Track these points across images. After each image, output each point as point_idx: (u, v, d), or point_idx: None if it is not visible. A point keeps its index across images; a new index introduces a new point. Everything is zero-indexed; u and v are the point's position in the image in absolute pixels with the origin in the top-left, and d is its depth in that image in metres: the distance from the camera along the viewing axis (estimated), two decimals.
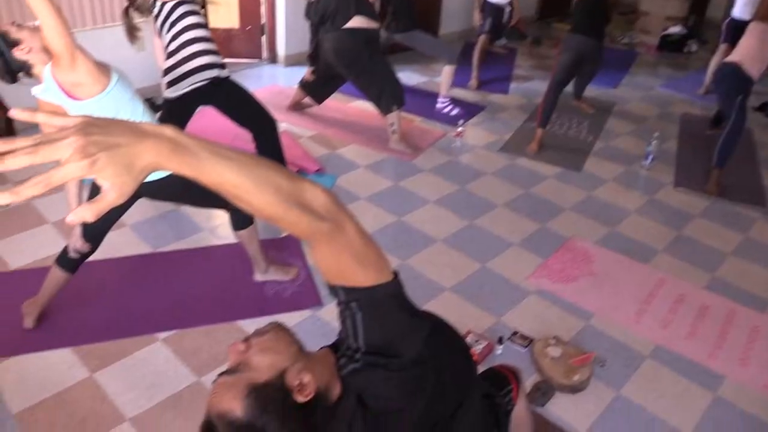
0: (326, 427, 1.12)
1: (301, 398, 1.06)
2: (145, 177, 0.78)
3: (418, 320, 1.17)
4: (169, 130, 0.80)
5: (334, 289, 1.08)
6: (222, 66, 3.33)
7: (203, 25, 3.28)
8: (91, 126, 0.73)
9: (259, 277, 3.03)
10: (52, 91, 2.24)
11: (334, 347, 1.25)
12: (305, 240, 0.99)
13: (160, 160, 0.78)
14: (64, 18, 2.14)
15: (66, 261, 2.58)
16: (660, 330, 2.95)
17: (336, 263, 1.03)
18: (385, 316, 1.11)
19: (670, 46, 7.55)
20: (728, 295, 3.25)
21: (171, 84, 3.22)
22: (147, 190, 2.52)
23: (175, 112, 3.28)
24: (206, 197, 2.77)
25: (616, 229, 3.75)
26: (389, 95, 4.23)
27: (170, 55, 3.26)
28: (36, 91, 2.26)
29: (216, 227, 3.45)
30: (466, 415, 1.52)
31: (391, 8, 4.89)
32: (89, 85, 2.24)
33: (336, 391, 1.13)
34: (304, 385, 1.06)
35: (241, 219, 2.83)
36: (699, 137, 5.09)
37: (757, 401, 2.61)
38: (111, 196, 0.76)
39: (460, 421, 1.51)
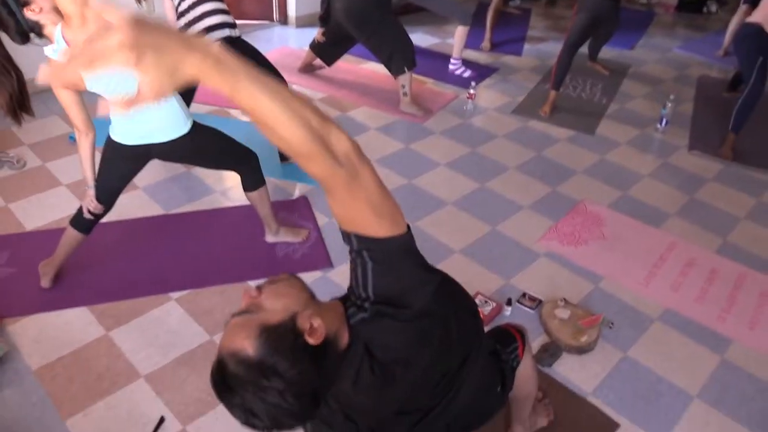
0: (335, 372, 1.15)
1: (311, 341, 1.09)
2: (183, 85, 0.79)
3: (428, 274, 1.19)
4: (216, 48, 0.82)
5: (347, 236, 1.11)
6: (233, 26, 3.31)
7: None
8: (143, 25, 0.75)
9: (270, 238, 3.05)
10: (63, 52, 2.24)
11: (344, 299, 1.28)
12: (322, 182, 1.00)
13: (202, 72, 0.80)
14: None
15: (80, 222, 2.61)
16: (669, 293, 2.95)
17: (352, 211, 1.05)
18: (396, 267, 1.13)
19: (688, 6, 7.37)
20: (739, 260, 3.24)
21: None
22: (160, 151, 2.54)
23: None
24: (218, 159, 2.80)
25: (628, 192, 3.73)
26: (400, 57, 4.18)
27: (181, 15, 3.25)
28: (48, 51, 2.25)
29: (227, 189, 3.47)
30: (473, 370, 1.55)
31: None
32: None
33: (345, 339, 1.17)
34: (315, 328, 1.09)
35: (252, 180, 2.84)
36: (715, 100, 5.01)
37: (765, 365, 2.63)
38: (147, 95, 0.77)
39: (466, 374, 1.55)
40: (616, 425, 2.31)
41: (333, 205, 1.06)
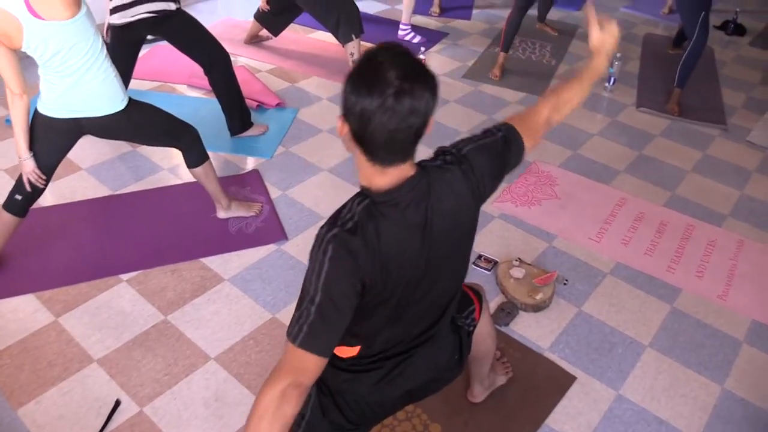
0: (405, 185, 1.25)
1: None
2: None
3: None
4: None
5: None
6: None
7: None
8: None
9: (221, 214, 2.99)
10: (14, 3, 2.08)
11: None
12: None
13: None
14: None
15: (13, 205, 2.50)
16: (620, 248, 3.01)
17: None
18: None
19: None
20: (687, 212, 3.32)
21: (115, 10, 3.06)
22: (92, 127, 2.45)
23: (122, 41, 3.16)
24: (155, 136, 2.72)
25: (579, 151, 3.77)
26: (347, 24, 4.11)
27: None
28: None
29: (176, 166, 3.38)
30: (433, 345, 1.56)
31: None
32: (58, 6, 2.11)
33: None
34: None
35: (194, 156, 2.77)
36: (661, 57, 5.08)
37: (712, 311, 2.71)
38: None
39: (427, 347, 1.56)
40: (573, 378, 2.36)
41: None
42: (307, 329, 1.20)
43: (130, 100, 2.47)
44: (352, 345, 1.46)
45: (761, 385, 2.40)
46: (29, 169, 2.42)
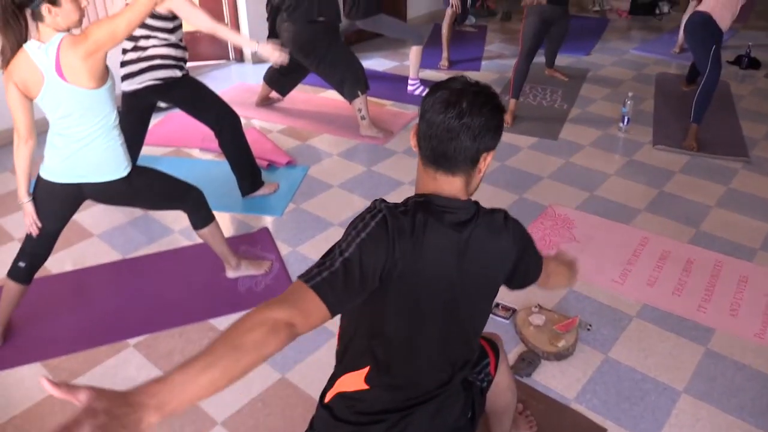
0: None
1: None
2: None
3: None
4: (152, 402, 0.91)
5: None
6: (180, 67, 3.22)
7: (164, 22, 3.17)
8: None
9: (231, 273, 2.94)
10: (44, 58, 2.10)
11: None
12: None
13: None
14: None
15: (17, 272, 2.48)
16: (646, 288, 2.87)
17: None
18: None
19: (641, 9, 7.46)
20: (714, 248, 3.17)
21: (126, 77, 3.13)
22: (93, 192, 2.43)
23: (131, 107, 3.21)
24: (156, 201, 2.71)
25: (596, 192, 3.67)
26: (352, 81, 4.14)
27: (129, 50, 3.15)
28: (30, 47, 2.12)
29: (187, 228, 3.32)
30: (440, 402, 1.47)
31: None
32: (84, 77, 2.14)
33: None
34: None
35: (200, 218, 2.75)
36: (675, 95, 5.02)
37: (750, 351, 2.54)
38: None
39: (432, 405, 1.46)
40: (603, 430, 2.19)
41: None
42: (327, 275, 1.18)
43: (134, 167, 2.47)
44: (360, 367, 1.40)
45: None
46: (29, 211, 2.39)
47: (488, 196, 3.57)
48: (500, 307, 2.73)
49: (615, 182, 3.79)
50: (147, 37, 3.08)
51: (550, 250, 3.11)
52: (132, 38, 3.08)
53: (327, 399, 1.48)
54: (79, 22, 2.18)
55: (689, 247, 3.17)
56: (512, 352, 2.52)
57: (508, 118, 4.51)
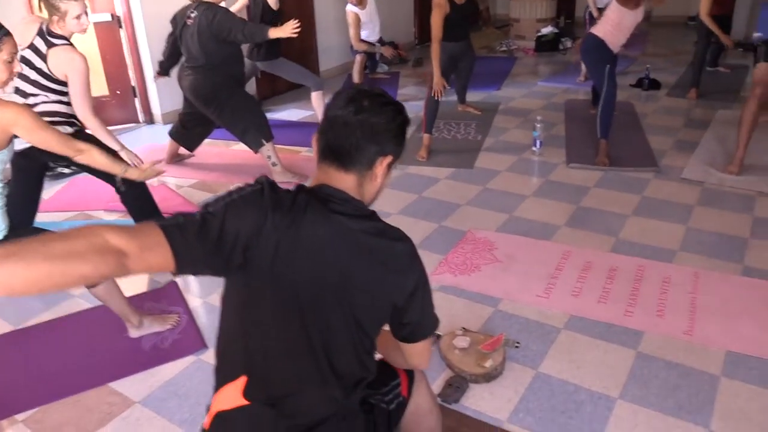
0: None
1: None
2: None
3: None
4: None
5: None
6: (71, 123, 3.03)
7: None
8: None
9: (133, 333, 2.69)
10: None
11: None
12: (118, 276, 1.06)
13: None
14: None
15: None
16: (571, 300, 2.79)
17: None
18: None
19: (545, 45, 7.76)
20: (634, 254, 3.14)
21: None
22: None
23: (22, 167, 2.98)
24: None
25: (515, 213, 3.62)
26: (255, 130, 4.03)
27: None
28: None
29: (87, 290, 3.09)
30: (334, 427, 1.30)
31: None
32: None
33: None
34: None
35: None
36: (584, 118, 5.13)
37: (681, 349, 2.46)
38: None
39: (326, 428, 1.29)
40: None
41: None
42: (182, 221, 1.13)
43: (11, 230, 2.26)
44: (235, 377, 1.25)
45: (751, 419, 2.11)
46: None
47: (407, 227, 3.44)
48: None
49: (533, 202, 3.76)
50: (36, 95, 2.91)
51: (471, 272, 3.01)
52: (22, 94, 2.91)
53: (206, 424, 1.29)
54: (5, 84, 2.13)
55: (611, 256, 3.13)
56: (439, 379, 2.36)
57: (423, 152, 4.48)
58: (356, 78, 5.72)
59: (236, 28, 3.73)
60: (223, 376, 1.28)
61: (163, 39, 4.42)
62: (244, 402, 1.24)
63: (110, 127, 5.55)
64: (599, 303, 2.76)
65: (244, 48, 4.53)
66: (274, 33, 3.81)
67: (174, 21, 4.03)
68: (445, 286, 2.93)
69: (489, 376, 2.32)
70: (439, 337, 2.54)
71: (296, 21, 3.81)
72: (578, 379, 2.33)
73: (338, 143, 1.26)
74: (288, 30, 3.79)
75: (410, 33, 8.42)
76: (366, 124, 1.25)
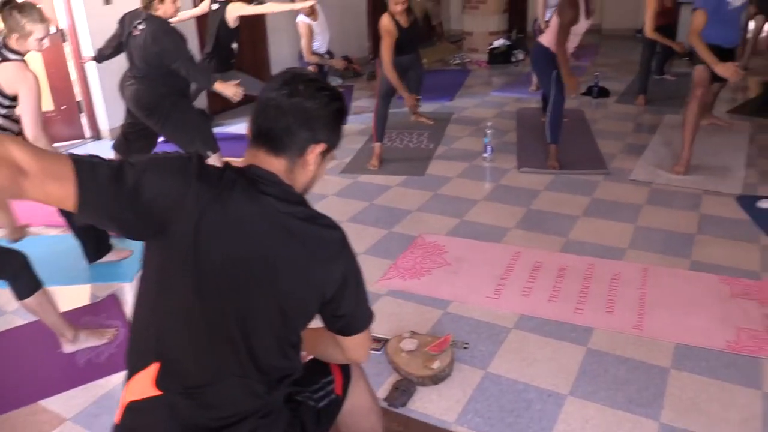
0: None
1: None
2: None
3: None
4: None
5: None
6: None
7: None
8: None
9: (68, 348, 2.55)
10: None
11: None
12: (10, 195, 0.99)
13: None
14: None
15: None
16: (521, 300, 2.74)
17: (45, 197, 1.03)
18: None
19: (498, 58, 7.83)
20: (585, 253, 3.13)
21: None
22: None
23: None
24: None
25: (465, 218, 3.59)
26: (201, 142, 3.92)
27: None
28: None
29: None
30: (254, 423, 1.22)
31: (209, 48, 4.68)
32: None
33: None
34: None
35: (23, 286, 2.38)
36: (535, 125, 5.15)
37: (630, 343, 2.43)
38: None
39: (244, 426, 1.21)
40: None
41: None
42: (98, 161, 1.09)
43: None
44: (146, 364, 1.16)
45: (700, 409, 2.09)
46: None
47: (355, 234, 3.40)
48: None
49: (484, 206, 3.74)
50: None
51: (421, 276, 2.95)
52: None
53: (117, 417, 1.20)
54: None
55: (561, 255, 3.11)
56: (386, 383, 2.28)
57: (374, 161, 4.44)
58: None
59: (182, 64, 3.64)
60: (134, 364, 1.19)
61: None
62: (157, 392, 1.15)
63: (56, 144, 5.41)
64: (549, 302, 2.72)
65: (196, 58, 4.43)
66: (219, 87, 3.75)
67: (122, 23, 3.88)
68: (394, 290, 2.86)
69: (436, 378, 2.25)
70: (387, 341, 2.47)
71: (241, 90, 3.80)
72: (528, 377, 2.28)
73: (269, 126, 1.21)
74: (231, 91, 3.77)
75: (364, 47, 8.42)
76: (299, 108, 1.20)
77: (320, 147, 1.25)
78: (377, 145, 4.49)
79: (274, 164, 1.23)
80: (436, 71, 7.68)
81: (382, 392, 2.21)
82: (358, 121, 5.72)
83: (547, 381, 2.26)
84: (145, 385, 1.16)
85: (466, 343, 2.46)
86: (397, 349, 2.37)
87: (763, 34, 6.20)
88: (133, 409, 1.17)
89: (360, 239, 3.34)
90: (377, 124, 4.48)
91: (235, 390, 1.18)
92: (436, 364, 2.26)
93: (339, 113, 1.27)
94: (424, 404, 2.17)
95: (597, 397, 2.17)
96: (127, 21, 3.85)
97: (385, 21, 4.19)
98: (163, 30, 3.66)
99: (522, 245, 3.22)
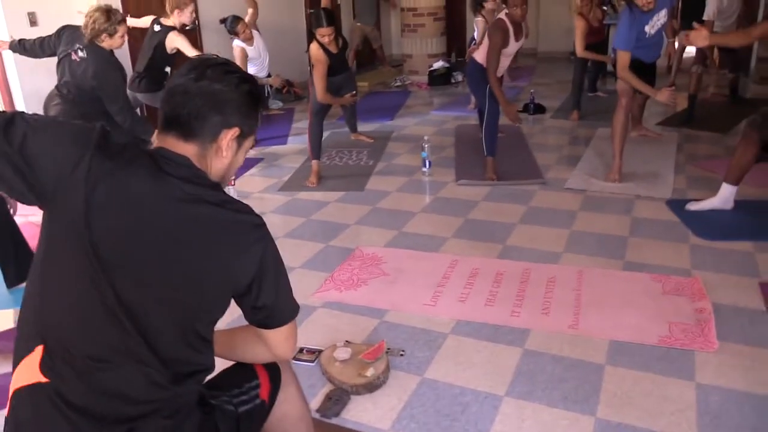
0: None
1: None
2: None
3: None
4: None
5: None
6: None
7: None
8: None
9: None
10: None
11: None
12: None
13: None
14: None
15: None
16: (458, 305, 2.71)
17: None
18: None
19: (438, 79, 7.93)
20: (522, 259, 3.13)
21: None
22: None
23: None
24: None
25: (404, 229, 3.56)
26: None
27: None
28: None
29: None
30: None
31: (141, 68, 4.56)
32: None
33: None
34: None
35: None
36: (473, 140, 5.18)
37: (566, 342, 2.42)
38: None
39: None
40: None
41: None
42: None
43: None
44: (31, 348, 1.08)
45: (634, 403, 2.07)
46: None
47: (291, 249, 3.32)
48: (304, 351, 2.41)
49: (422, 218, 3.72)
50: None
51: (357, 287, 2.89)
52: None
53: (7, 408, 1.10)
54: None
55: (497, 261, 3.10)
56: (319, 394, 2.19)
57: (313, 178, 4.39)
58: None
59: (119, 111, 3.56)
60: (20, 348, 1.10)
61: (35, 69, 4.15)
62: (41, 378, 1.06)
63: None
64: (486, 306, 2.69)
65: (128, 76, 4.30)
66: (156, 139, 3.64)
67: (59, 36, 3.69)
68: (330, 302, 2.78)
69: (371, 386, 2.18)
70: (321, 352, 2.39)
71: None
72: (464, 381, 2.23)
73: (177, 112, 1.17)
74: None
75: (305, 71, 8.39)
76: (207, 91, 1.16)
77: (233, 132, 1.20)
78: (315, 162, 4.44)
79: (184, 148, 1.18)
80: (376, 93, 7.73)
81: (315, 403, 2.13)
82: (297, 142, 5.68)
83: (484, 383, 2.21)
84: (30, 370, 1.06)
85: (402, 351, 2.40)
86: (330, 359, 2.29)
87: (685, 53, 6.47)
88: (17, 397, 1.08)
89: (296, 254, 3.26)
90: (312, 141, 4.46)
91: (132, 377, 1.09)
92: (370, 372, 2.19)
93: (251, 96, 1.22)
94: (359, 413, 2.10)
95: (533, 397, 2.13)
96: (65, 38, 3.67)
97: (314, 50, 4.28)
98: (106, 68, 3.53)
99: (460, 254, 3.20)
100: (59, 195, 1.05)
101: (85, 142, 1.08)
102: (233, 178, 4.17)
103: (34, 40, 3.84)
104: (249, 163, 5.00)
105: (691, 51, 6.24)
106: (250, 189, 4.39)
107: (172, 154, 1.16)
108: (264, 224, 1.22)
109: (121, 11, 4.00)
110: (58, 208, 1.06)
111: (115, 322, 1.07)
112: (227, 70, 1.21)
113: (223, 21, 5.74)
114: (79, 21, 3.61)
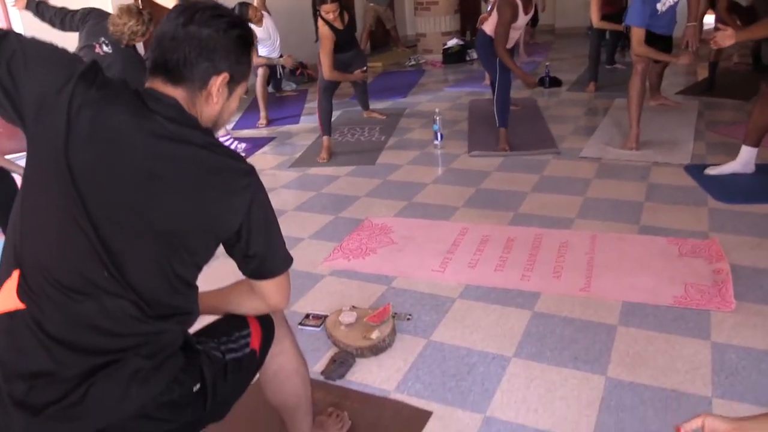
0: None
1: None
2: None
3: None
4: None
5: None
6: None
7: None
8: None
9: None
10: None
11: None
12: None
13: None
14: None
15: None
16: (467, 271, 2.66)
17: None
18: None
19: (452, 57, 7.84)
20: (533, 225, 3.06)
21: None
22: None
23: None
24: None
25: (414, 200, 3.51)
26: None
27: None
28: None
29: None
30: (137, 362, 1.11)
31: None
32: None
33: None
34: None
35: None
36: (487, 115, 5.08)
37: (577, 305, 2.36)
38: None
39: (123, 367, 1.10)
40: (428, 413, 1.87)
41: None
42: None
43: None
44: (9, 273, 1.07)
45: (647, 363, 2.01)
46: None
47: (301, 221, 3.29)
48: (311, 317, 2.39)
49: (433, 189, 3.67)
50: None
51: (366, 255, 2.85)
52: None
53: None
54: None
55: (509, 228, 3.04)
56: (324, 357, 2.17)
57: (324, 154, 4.35)
58: (259, 89, 5.56)
59: None
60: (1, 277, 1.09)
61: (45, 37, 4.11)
62: (19, 304, 1.04)
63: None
64: (496, 271, 2.64)
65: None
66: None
67: (83, 20, 3.49)
68: (338, 270, 2.76)
69: (376, 349, 2.15)
70: (326, 317, 2.36)
71: None
72: (471, 343, 2.19)
73: (165, 58, 1.14)
74: None
75: (314, 54, 8.34)
76: (195, 36, 1.13)
77: (223, 77, 1.16)
78: (325, 138, 4.41)
79: (173, 92, 1.15)
80: (390, 72, 7.66)
81: (319, 366, 2.10)
82: (311, 121, 5.64)
83: (492, 345, 2.17)
84: (9, 295, 1.05)
85: (410, 315, 2.36)
86: (335, 323, 2.26)
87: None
88: None
89: (305, 226, 3.23)
90: (322, 117, 4.44)
91: (109, 309, 1.07)
92: (374, 335, 2.16)
93: (241, 40, 1.18)
94: (364, 375, 2.07)
95: (542, 357, 2.08)
96: (89, 27, 3.47)
97: (320, 27, 4.32)
98: (134, 67, 3.42)
99: (470, 222, 3.15)
100: (42, 116, 1.04)
101: (71, 69, 1.07)
102: (243, 154, 4.17)
103: (56, 10, 3.59)
104: (261, 142, 4.98)
105: (709, 22, 6.05)
106: (262, 166, 4.36)
107: (161, 94, 1.14)
108: (254, 172, 1.19)
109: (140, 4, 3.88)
110: (39, 130, 1.04)
111: (88, 253, 1.05)
112: (216, 14, 1.17)
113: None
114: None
